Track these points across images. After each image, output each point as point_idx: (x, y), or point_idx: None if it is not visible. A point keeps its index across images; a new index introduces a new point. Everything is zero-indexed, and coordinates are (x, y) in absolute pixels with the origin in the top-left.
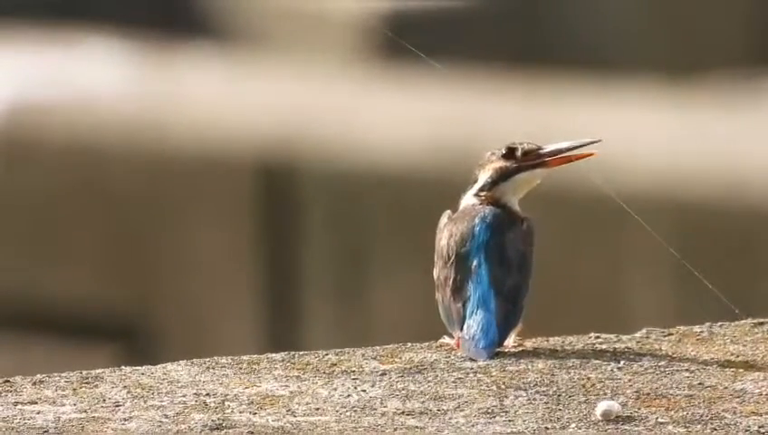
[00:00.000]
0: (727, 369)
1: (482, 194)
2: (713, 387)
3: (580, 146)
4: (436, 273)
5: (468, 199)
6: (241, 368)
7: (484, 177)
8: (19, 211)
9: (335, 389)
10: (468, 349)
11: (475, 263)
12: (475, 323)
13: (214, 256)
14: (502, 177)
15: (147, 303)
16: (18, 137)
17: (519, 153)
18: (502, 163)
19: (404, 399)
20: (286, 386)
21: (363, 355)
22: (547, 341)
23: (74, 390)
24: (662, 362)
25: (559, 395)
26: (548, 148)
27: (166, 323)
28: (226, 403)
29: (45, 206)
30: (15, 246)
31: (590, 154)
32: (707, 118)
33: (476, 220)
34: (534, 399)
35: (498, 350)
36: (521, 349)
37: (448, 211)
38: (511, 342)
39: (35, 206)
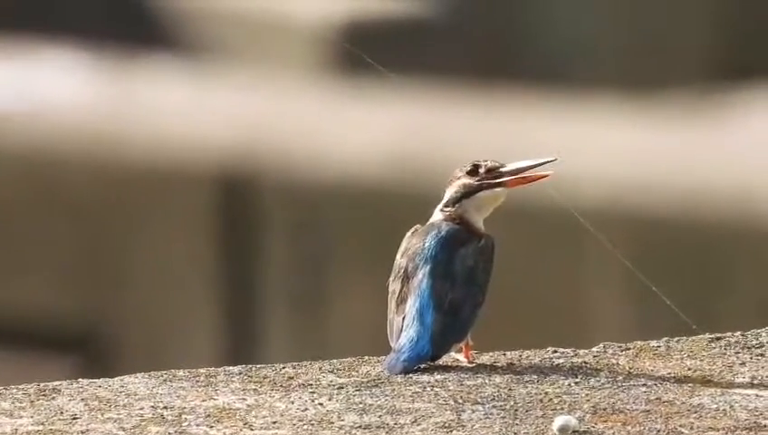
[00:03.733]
0: (684, 384)
1: (446, 210)
2: (670, 402)
3: (539, 165)
4: (390, 286)
5: (436, 215)
6: (198, 381)
7: (449, 192)
8: None
9: (292, 402)
10: (388, 363)
11: (419, 277)
12: (405, 336)
13: (172, 268)
14: (465, 193)
15: (104, 314)
16: None
17: (482, 170)
18: (466, 180)
19: (361, 412)
20: (243, 399)
21: (320, 368)
22: (504, 355)
23: (31, 402)
24: (619, 377)
25: (516, 410)
26: (508, 166)
27: (123, 335)
28: (183, 416)
29: (1, 215)
30: None
31: (545, 176)
32: (667, 133)
33: (429, 236)
34: (491, 413)
35: (436, 363)
36: (475, 363)
37: (417, 225)
38: (455, 355)
39: None
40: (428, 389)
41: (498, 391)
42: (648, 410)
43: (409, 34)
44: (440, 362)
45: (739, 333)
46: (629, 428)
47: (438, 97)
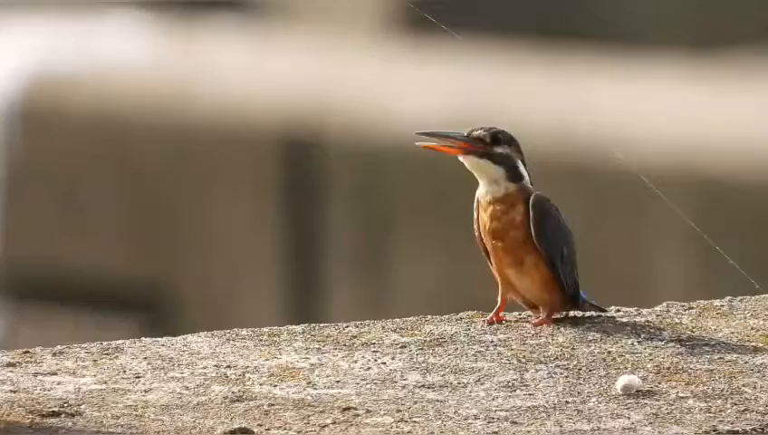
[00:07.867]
0: (747, 343)
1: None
2: (733, 362)
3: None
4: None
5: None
6: (261, 340)
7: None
8: (41, 183)
9: (355, 361)
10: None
11: None
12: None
13: (236, 228)
14: None
15: (168, 274)
16: (42, 108)
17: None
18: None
19: (424, 372)
20: (306, 358)
21: (383, 328)
22: (567, 314)
23: (95, 361)
24: (682, 337)
25: (579, 369)
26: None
27: (186, 295)
28: (247, 375)
29: (67, 177)
30: (37, 218)
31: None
32: (731, 92)
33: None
34: (555, 373)
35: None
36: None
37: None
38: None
39: (57, 177)
40: (491, 348)
41: (561, 351)
42: (712, 370)
43: None
44: (504, 321)
45: None
46: (693, 387)
47: (501, 57)
